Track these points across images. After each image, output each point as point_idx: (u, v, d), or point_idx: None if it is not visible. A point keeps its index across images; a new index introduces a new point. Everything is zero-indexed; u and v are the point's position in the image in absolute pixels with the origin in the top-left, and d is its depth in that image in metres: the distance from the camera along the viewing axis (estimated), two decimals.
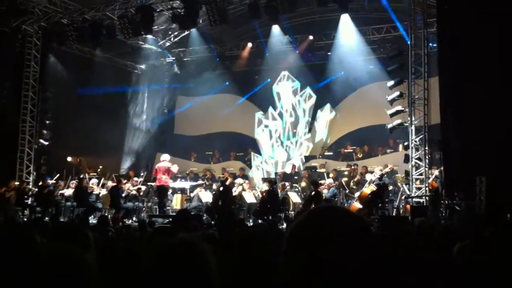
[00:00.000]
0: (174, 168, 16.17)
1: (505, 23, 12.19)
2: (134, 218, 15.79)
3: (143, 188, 17.11)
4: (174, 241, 1.85)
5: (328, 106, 21.16)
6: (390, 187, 15.69)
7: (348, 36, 19.00)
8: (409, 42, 14.89)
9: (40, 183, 16.41)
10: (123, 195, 16.12)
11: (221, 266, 1.87)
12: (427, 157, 14.18)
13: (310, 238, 1.44)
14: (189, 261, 1.79)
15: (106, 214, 14.48)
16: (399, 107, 14.92)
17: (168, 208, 16.59)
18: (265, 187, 15.85)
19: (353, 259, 1.41)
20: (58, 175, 17.57)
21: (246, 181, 17.30)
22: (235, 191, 16.17)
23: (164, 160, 16.07)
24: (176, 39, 21.76)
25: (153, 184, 17.34)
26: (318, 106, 21.42)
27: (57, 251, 1.80)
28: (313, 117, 21.51)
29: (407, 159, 14.84)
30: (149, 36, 19.77)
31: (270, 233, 5.36)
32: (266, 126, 22.02)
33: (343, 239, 1.42)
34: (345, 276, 1.40)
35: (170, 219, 13.28)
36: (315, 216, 1.51)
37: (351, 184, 16.55)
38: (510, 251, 3.97)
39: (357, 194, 14.96)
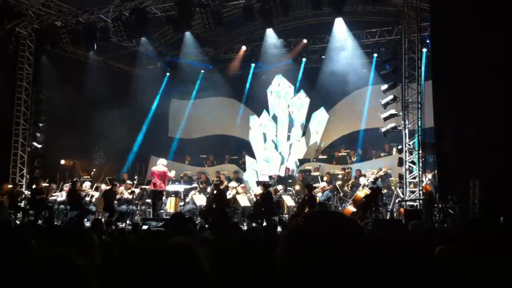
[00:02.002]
0: (172, 173, 16.30)
1: (498, 27, 12.26)
2: (127, 221, 15.75)
3: (137, 191, 17.08)
4: (170, 244, 1.85)
5: (322, 109, 21.20)
6: (384, 191, 15.72)
7: (342, 39, 19.05)
8: (402, 46, 14.94)
9: (34, 186, 16.33)
10: (117, 197, 16.12)
11: (218, 268, 1.87)
12: (420, 160, 14.22)
13: (306, 240, 1.46)
14: (185, 264, 1.79)
15: (100, 218, 14.44)
16: (392, 111, 14.97)
17: (162, 211, 16.56)
18: (259, 190, 15.85)
19: (349, 260, 1.43)
20: (47, 179, 17.46)
21: (241, 185, 17.30)
22: (229, 194, 16.17)
23: (161, 164, 16.12)
24: (170, 42, 21.75)
25: (147, 187, 17.32)
26: (312, 109, 21.44)
27: (54, 254, 1.80)
28: (307, 120, 21.53)
29: (401, 162, 14.88)
30: (143, 39, 19.75)
31: (267, 237, 5.36)
32: (261, 130, 22.02)
33: (338, 241, 1.44)
34: (341, 276, 1.42)
35: (164, 222, 13.26)
36: (311, 219, 1.53)
37: (345, 187, 16.58)
38: (502, 254, 3.99)
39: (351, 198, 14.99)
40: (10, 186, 16.73)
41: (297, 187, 17.56)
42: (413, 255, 3.81)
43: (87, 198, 16.51)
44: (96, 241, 3.28)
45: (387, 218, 14.50)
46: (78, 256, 1.85)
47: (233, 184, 16.82)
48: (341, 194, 16.10)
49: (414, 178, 14.31)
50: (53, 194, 16.73)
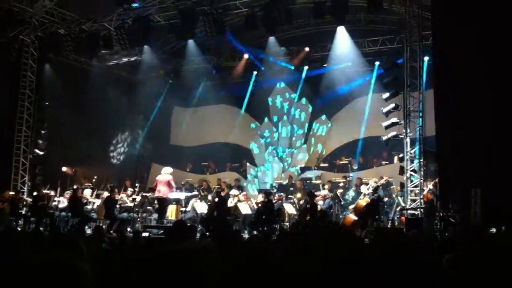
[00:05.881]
0: (173, 183, 16.42)
1: (500, 36, 12.29)
2: (128, 229, 15.73)
3: (138, 198, 17.06)
4: (170, 249, 1.86)
5: (323, 117, 21.22)
6: (385, 199, 15.68)
7: (344, 47, 19.08)
8: (404, 55, 14.95)
9: (35, 193, 16.34)
10: (118, 204, 16.12)
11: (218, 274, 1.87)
12: (422, 169, 14.20)
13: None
14: (184, 269, 1.79)
15: (101, 225, 14.42)
16: (394, 119, 14.96)
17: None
18: (260, 198, 15.84)
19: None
20: (49, 185, 17.45)
21: (243, 193, 17.28)
22: (231, 202, 16.15)
23: (166, 173, 16.23)
24: (172, 50, 21.82)
25: (148, 194, 17.31)
26: (313, 117, 21.47)
27: (52, 259, 1.81)
28: (309, 128, 21.55)
29: (402, 171, 14.85)
30: (146, 47, 19.80)
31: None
32: (262, 137, 22.04)
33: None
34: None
35: (165, 230, 13.26)
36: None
37: (346, 195, 16.54)
38: (504, 262, 3.99)
39: (352, 206, 14.95)
40: (11, 193, 16.76)
41: (298, 195, 17.52)
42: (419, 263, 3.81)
43: (89, 206, 16.51)
44: (85, 248, 3.25)
45: (388, 226, 14.47)
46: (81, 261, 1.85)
47: (234, 192, 16.80)
48: (342, 203, 16.08)
49: (416, 186, 14.28)
50: (55, 199, 16.72)
